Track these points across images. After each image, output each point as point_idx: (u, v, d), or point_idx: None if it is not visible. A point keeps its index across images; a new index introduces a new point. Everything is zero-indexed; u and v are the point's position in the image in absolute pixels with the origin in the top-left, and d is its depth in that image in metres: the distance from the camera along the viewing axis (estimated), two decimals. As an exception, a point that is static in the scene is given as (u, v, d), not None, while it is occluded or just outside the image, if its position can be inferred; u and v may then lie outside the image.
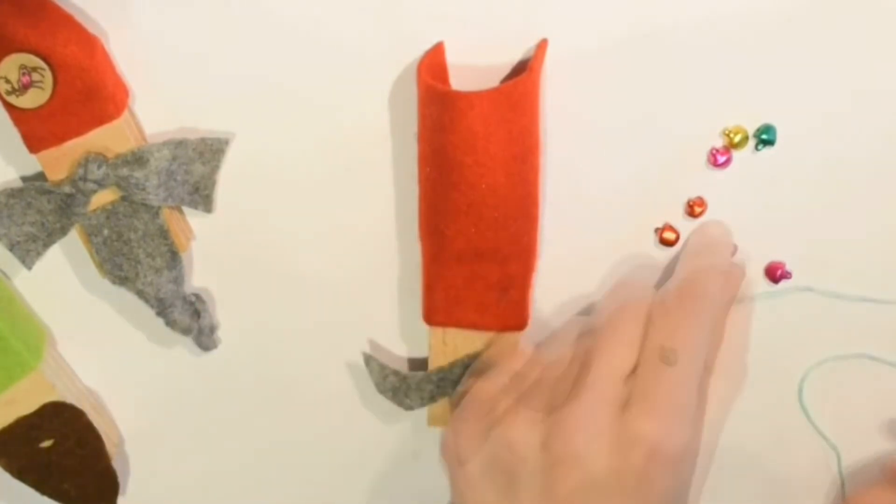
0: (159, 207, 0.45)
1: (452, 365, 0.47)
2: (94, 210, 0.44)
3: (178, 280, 0.47)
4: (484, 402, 0.43)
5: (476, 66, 0.44)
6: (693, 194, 0.47)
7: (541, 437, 0.41)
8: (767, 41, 0.44)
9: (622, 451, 0.40)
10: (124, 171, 0.44)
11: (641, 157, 0.46)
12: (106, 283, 0.46)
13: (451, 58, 0.44)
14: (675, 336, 0.42)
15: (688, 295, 0.43)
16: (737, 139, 0.45)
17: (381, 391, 0.49)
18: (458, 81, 0.44)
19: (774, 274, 0.48)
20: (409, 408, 0.49)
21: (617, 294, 0.46)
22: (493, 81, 0.44)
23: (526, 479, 0.41)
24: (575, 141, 0.46)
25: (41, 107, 0.42)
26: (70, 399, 0.48)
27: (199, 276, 0.48)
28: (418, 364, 0.50)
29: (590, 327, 0.45)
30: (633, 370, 0.42)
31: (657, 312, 0.43)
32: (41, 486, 0.48)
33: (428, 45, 0.44)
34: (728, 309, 0.46)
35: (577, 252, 0.48)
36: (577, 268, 0.48)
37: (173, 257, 0.46)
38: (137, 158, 0.44)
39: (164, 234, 0.45)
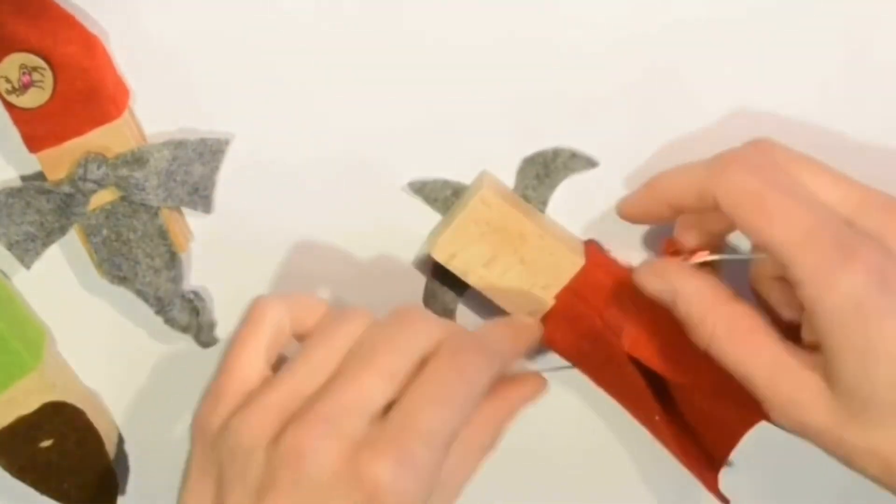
0: (158, 208, 0.45)
1: None
2: (94, 210, 0.44)
3: (177, 280, 0.46)
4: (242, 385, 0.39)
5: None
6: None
7: (274, 432, 0.37)
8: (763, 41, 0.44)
9: (352, 482, 0.35)
10: (124, 171, 0.44)
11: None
12: (105, 283, 0.46)
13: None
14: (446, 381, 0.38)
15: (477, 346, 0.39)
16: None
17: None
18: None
19: None
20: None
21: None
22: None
23: (246, 471, 0.37)
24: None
25: (41, 106, 0.42)
26: (70, 399, 0.48)
27: (198, 276, 0.48)
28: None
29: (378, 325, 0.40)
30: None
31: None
32: (41, 486, 0.48)
33: (430, 45, 0.44)
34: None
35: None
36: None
37: (172, 258, 0.46)
38: (137, 158, 0.44)
39: (163, 234, 0.45)
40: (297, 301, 0.42)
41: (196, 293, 0.48)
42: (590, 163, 0.46)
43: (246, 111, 0.45)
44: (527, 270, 0.45)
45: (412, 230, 0.47)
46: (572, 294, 0.46)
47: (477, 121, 0.46)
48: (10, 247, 0.45)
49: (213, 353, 0.50)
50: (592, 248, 0.47)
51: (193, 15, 0.44)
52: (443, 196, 0.47)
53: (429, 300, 0.49)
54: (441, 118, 0.46)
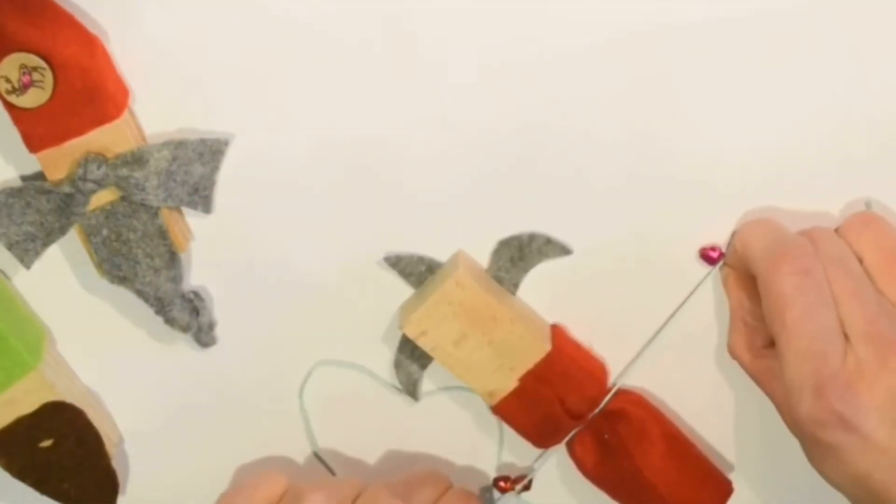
0: (158, 208, 0.45)
1: None
2: (94, 210, 0.44)
3: (177, 279, 0.47)
4: None
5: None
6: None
7: None
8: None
9: None
10: (124, 172, 0.44)
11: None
12: (105, 283, 0.46)
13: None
14: None
15: None
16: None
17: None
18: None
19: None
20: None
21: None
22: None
23: None
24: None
25: (41, 106, 0.42)
26: (70, 399, 0.48)
27: (198, 276, 0.48)
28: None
29: None
30: None
31: None
32: (41, 486, 0.48)
33: (429, 45, 0.44)
34: None
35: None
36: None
37: (172, 257, 0.46)
38: (137, 158, 0.44)
39: (162, 234, 0.45)
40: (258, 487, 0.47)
41: (196, 293, 0.48)
42: (564, 250, 0.47)
43: (246, 111, 0.45)
44: (494, 352, 0.47)
45: (412, 229, 0.47)
46: (535, 378, 0.47)
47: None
48: (10, 247, 0.45)
49: (213, 355, 0.50)
50: (558, 333, 0.48)
51: (193, 15, 0.44)
52: (417, 271, 0.48)
53: (396, 368, 0.50)
54: (443, 115, 0.46)
